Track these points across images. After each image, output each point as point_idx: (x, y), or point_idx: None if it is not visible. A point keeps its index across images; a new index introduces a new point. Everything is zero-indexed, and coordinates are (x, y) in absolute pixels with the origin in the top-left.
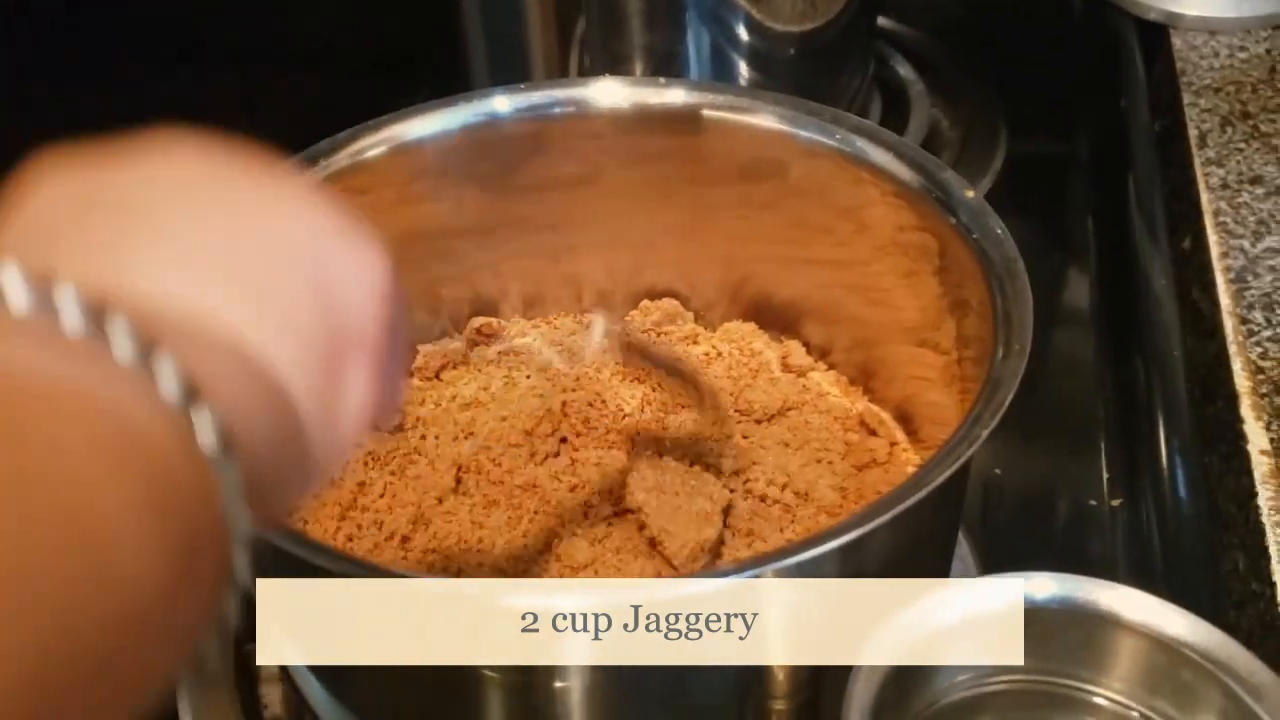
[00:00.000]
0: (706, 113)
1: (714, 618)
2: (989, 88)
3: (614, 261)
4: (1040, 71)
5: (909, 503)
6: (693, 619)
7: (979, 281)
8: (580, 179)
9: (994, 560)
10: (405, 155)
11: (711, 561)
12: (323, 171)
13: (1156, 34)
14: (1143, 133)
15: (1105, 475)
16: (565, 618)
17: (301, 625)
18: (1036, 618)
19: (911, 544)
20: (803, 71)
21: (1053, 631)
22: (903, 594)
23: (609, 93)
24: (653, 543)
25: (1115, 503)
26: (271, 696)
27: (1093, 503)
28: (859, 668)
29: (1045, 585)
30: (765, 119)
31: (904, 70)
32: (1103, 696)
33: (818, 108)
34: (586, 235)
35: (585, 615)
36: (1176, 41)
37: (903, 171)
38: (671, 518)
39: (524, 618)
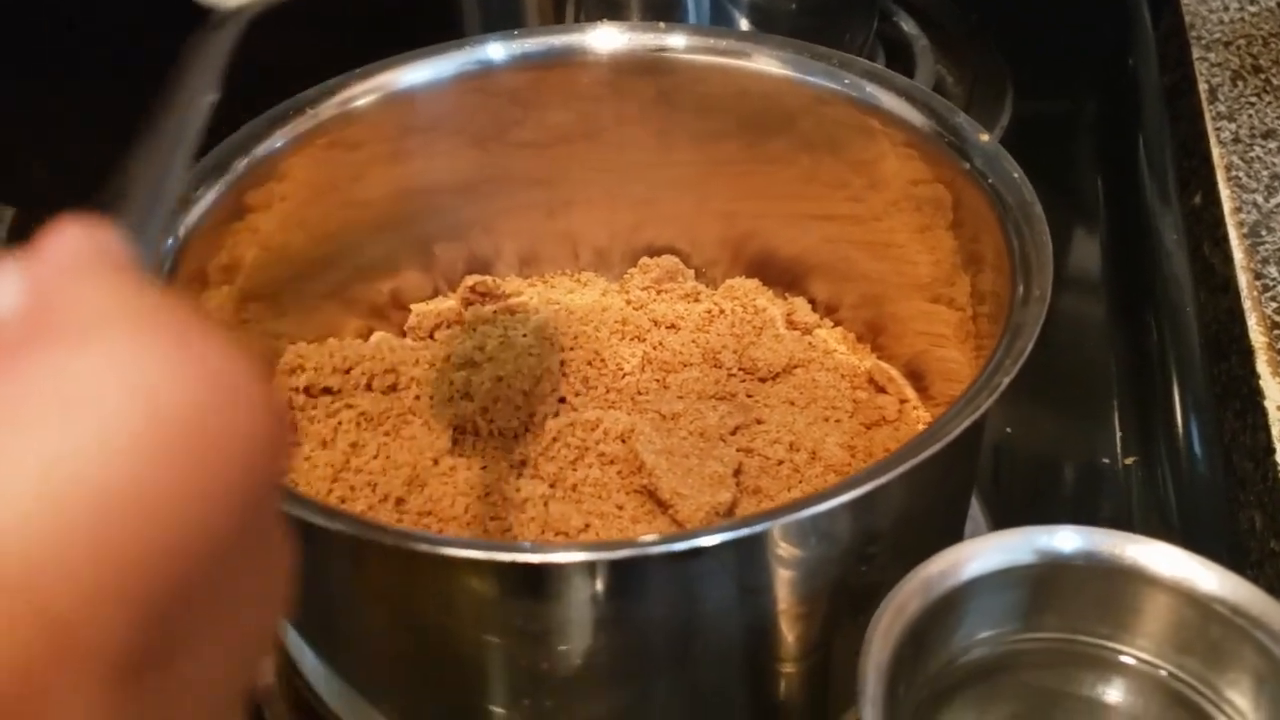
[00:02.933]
0: (710, 58)
1: (721, 573)
2: (994, 45)
3: (612, 218)
4: (1046, 27)
5: (928, 453)
6: (700, 575)
7: (995, 230)
8: (577, 131)
9: (1006, 520)
10: (396, 105)
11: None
12: (310, 121)
13: None
14: (1152, 89)
15: (1119, 434)
16: (568, 575)
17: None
18: (1060, 573)
19: (927, 499)
20: (804, 26)
21: (1077, 587)
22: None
23: (607, 39)
24: (663, 505)
25: (1129, 461)
26: (263, 665)
27: (1106, 461)
28: (876, 624)
29: (1069, 539)
30: (771, 64)
31: (908, 26)
32: (1129, 655)
33: (825, 52)
34: (583, 190)
35: (588, 572)
36: None
37: (915, 117)
38: (684, 480)
39: (526, 577)
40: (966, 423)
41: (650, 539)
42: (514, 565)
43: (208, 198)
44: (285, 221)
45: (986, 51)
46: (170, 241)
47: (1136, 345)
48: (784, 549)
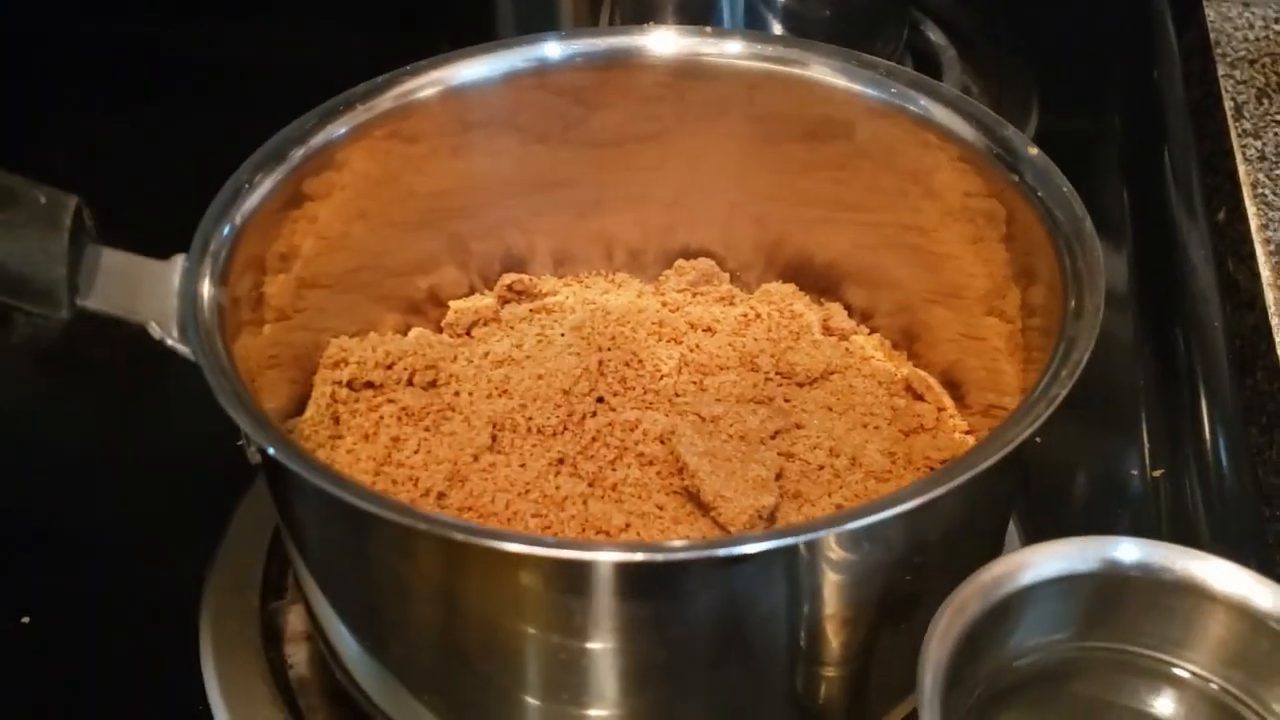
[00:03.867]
0: (766, 65)
1: (767, 579)
2: (1020, 58)
3: (645, 219)
4: (1072, 40)
5: (986, 464)
6: (745, 580)
7: (1046, 244)
8: (626, 134)
9: (1037, 532)
10: (456, 100)
11: (767, 528)
12: (367, 113)
13: (1189, 4)
14: (1177, 104)
15: (1147, 447)
16: (614, 574)
17: (335, 573)
18: (1118, 584)
19: (978, 510)
20: (837, 33)
21: (1132, 599)
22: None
23: (665, 42)
24: (706, 508)
25: (1157, 474)
26: (297, 656)
27: (1134, 473)
28: (935, 625)
29: (1129, 551)
30: (825, 73)
31: (935, 36)
32: (1181, 668)
33: (871, 60)
34: (617, 191)
35: (634, 572)
36: (1210, 12)
37: (966, 131)
38: (727, 483)
39: (568, 574)
40: (1024, 434)
41: (699, 542)
42: (560, 561)
43: (265, 185)
44: (343, 211)
45: (1013, 63)
46: (226, 229)
47: (1164, 360)
48: (833, 558)
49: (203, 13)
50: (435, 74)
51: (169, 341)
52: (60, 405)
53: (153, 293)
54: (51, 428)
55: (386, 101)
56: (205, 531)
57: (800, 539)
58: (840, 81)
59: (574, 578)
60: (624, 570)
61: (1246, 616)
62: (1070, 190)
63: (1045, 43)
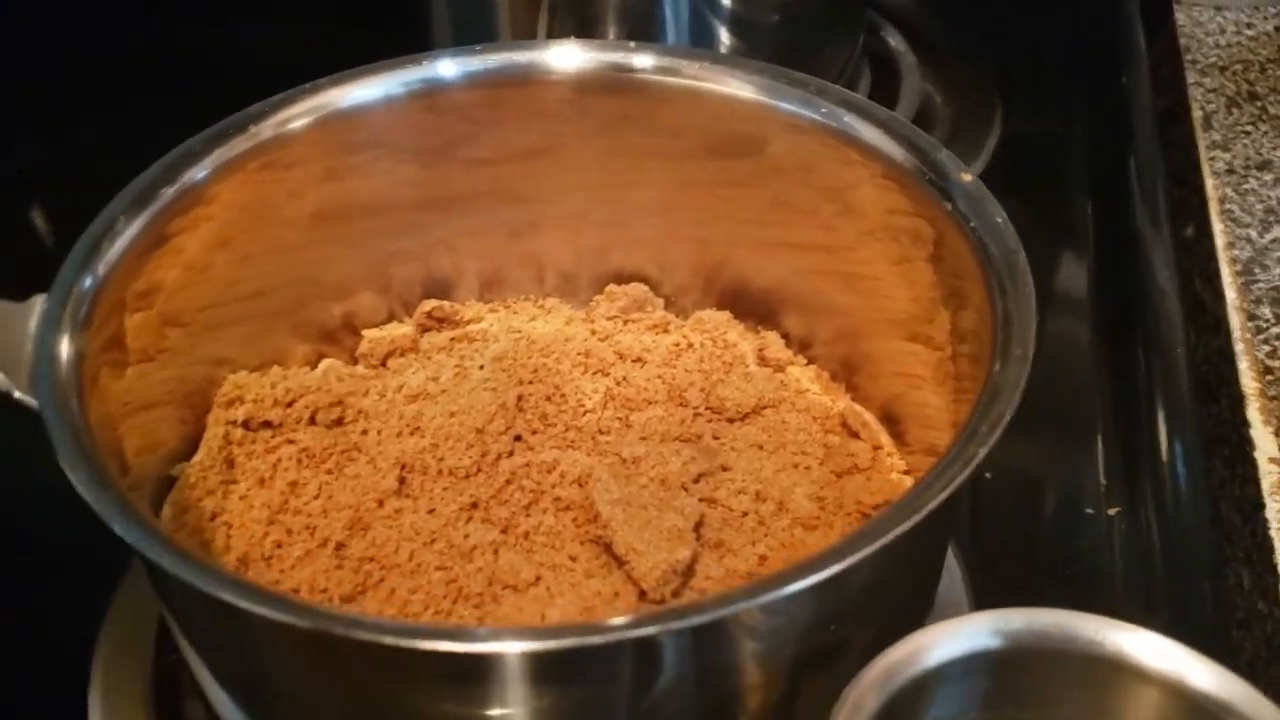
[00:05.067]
0: (678, 80)
1: (671, 653)
2: (983, 62)
3: (579, 240)
4: (1037, 45)
5: (889, 537)
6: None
7: (976, 276)
8: (539, 151)
9: (983, 573)
10: (334, 126)
11: (683, 583)
12: (248, 142)
13: (1160, 8)
14: (1144, 112)
15: (1103, 481)
16: (500, 665)
17: (209, 645)
18: (1032, 659)
19: (899, 568)
20: (787, 40)
21: (1050, 675)
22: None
23: (569, 56)
24: (619, 561)
25: (1113, 511)
26: (196, 713)
27: (1090, 511)
28: (838, 715)
29: (1041, 621)
30: (744, 89)
31: (895, 41)
32: None
33: (802, 78)
34: (549, 211)
35: (526, 659)
36: (1180, 17)
37: (894, 151)
38: (640, 534)
39: (454, 662)
40: (941, 497)
41: (577, 628)
42: (440, 655)
43: (130, 230)
44: (208, 242)
45: (975, 69)
46: (89, 281)
47: (1123, 375)
48: (740, 631)
49: (150, 18)
50: (325, 95)
51: (15, 394)
52: None
53: (4, 339)
54: None
55: (268, 129)
56: (100, 574)
57: (676, 625)
58: (752, 95)
59: (450, 670)
60: (496, 661)
61: (1180, 695)
62: (1005, 220)
63: (1009, 47)
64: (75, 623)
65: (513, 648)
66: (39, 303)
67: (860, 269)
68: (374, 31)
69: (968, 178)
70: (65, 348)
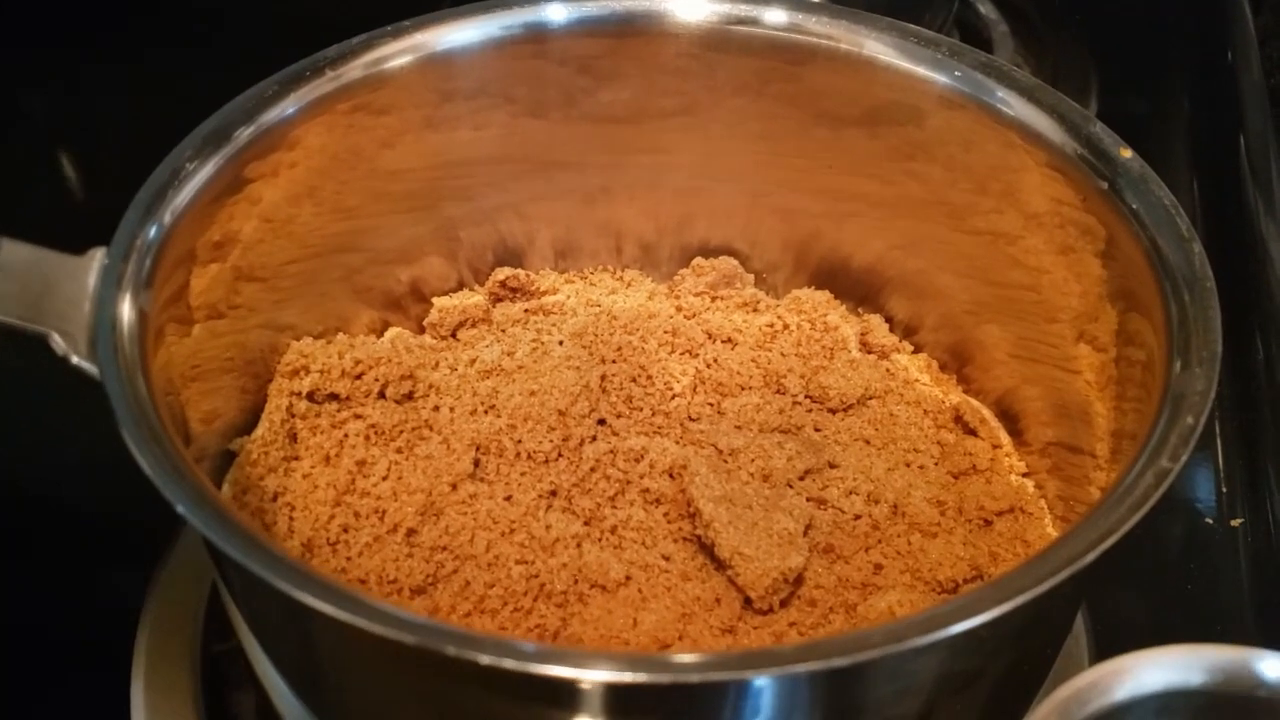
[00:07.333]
0: (813, 39)
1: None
2: (1079, 36)
3: (658, 209)
4: (1134, 16)
5: (1080, 564)
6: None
7: (1143, 266)
8: (641, 110)
9: (1096, 590)
10: (433, 69)
11: (793, 592)
12: (331, 83)
13: None
14: (1253, 89)
15: (1223, 489)
16: (580, 692)
17: (273, 638)
18: (1239, 704)
19: (1063, 601)
20: (880, 5)
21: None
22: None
23: (692, 7)
24: (721, 565)
25: (1235, 523)
26: (244, 705)
27: (1209, 522)
28: None
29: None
30: (885, 52)
31: (986, 10)
32: None
33: (934, 37)
34: (627, 176)
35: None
36: None
37: (1052, 131)
38: (747, 537)
39: (525, 684)
40: (1136, 516)
41: (686, 662)
42: (525, 676)
43: (203, 172)
44: (292, 190)
45: (1069, 41)
46: (154, 230)
47: (1239, 368)
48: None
49: None
50: (416, 38)
51: (74, 360)
52: None
53: (61, 296)
54: None
55: (357, 69)
56: (142, 557)
57: (823, 665)
58: (905, 64)
59: (545, 690)
60: (595, 691)
61: None
62: (1174, 204)
63: (1105, 18)
64: (115, 603)
65: (661, 678)
66: (98, 257)
67: (1017, 257)
68: None
69: (1127, 154)
70: (127, 309)
